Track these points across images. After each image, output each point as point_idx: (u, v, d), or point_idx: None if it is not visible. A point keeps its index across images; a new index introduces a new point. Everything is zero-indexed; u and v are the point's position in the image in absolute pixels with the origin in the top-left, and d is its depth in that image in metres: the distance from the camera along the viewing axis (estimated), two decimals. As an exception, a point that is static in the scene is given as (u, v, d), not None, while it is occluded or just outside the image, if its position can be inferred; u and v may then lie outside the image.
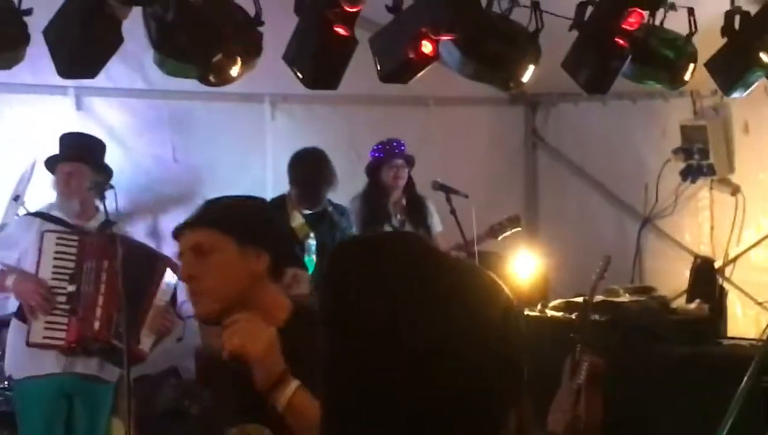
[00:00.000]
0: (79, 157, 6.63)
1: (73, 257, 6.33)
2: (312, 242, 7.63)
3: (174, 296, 6.58)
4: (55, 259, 6.31)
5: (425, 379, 1.68)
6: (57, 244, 6.33)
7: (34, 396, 6.31)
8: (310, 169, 7.68)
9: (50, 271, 6.29)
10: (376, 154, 8.28)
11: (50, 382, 6.29)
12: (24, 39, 5.46)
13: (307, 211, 7.73)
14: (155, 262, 6.51)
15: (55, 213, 6.55)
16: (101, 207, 6.43)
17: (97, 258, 6.35)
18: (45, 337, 6.23)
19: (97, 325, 6.27)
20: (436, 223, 8.37)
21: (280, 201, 7.73)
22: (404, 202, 8.35)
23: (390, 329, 1.70)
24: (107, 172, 6.68)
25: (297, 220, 7.61)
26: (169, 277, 6.49)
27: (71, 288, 6.29)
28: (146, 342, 6.44)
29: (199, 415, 8.33)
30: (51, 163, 6.70)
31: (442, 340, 1.69)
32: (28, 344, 6.22)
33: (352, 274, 1.77)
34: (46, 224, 6.42)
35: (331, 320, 1.77)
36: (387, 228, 8.12)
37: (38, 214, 6.60)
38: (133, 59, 7.64)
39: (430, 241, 1.97)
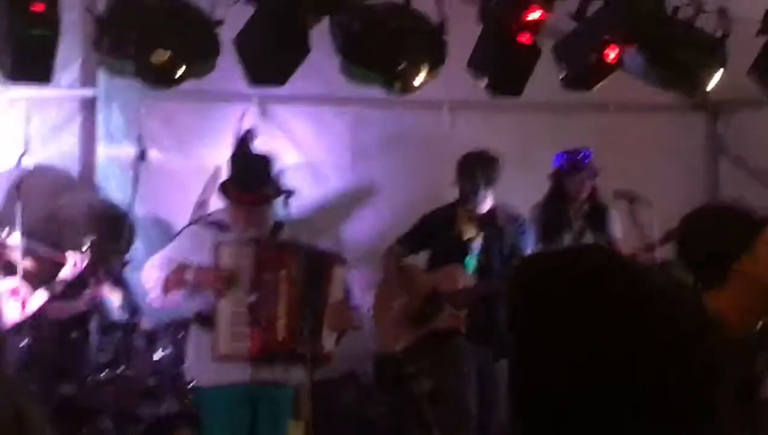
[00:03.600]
0: (259, 188, 6.38)
1: (249, 268, 6.32)
2: (478, 244, 7.58)
3: (347, 289, 6.59)
4: (234, 271, 6.28)
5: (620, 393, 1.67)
6: (232, 256, 6.33)
7: (220, 404, 6.35)
8: (470, 170, 7.60)
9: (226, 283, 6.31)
10: (562, 166, 8.16)
11: (237, 390, 6.33)
12: (215, 49, 5.62)
13: (475, 216, 7.66)
14: (326, 261, 6.52)
15: (228, 220, 6.49)
16: (281, 212, 6.46)
17: (274, 268, 6.36)
18: (231, 349, 6.29)
19: (281, 335, 6.30)
20: (617, 231, 8.22)
21: (450, 206, 7.75)
22: (586, 209, 8.23)
23: (586, 343, 1.70)
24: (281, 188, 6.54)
25: (463, 221, 7.58)
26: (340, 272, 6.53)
27: (252, 298, 6.31)
28: (329, 342, 6.46)
29: (378, 419, 8.39)
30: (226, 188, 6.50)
31: (637, 357, 1.68)
32: (215, 356, 6.28)
33: (546, 289, 1.77)
34: (219, 235, 6.40)
35: (521, 331, 1.77)
36: (566, 235, 8.05)
37: (211, 224, 6.55)
38: (315, 67, 7.72)
39: (620, 255, 1.94)
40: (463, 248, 7.53)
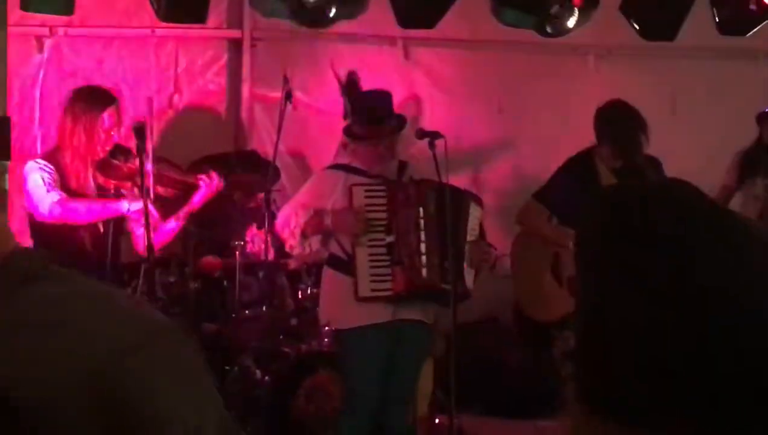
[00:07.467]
0: (385, 119, 6.39)
1: (384, 208, 6.32)
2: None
3: (481, 227, 6.55)
4: (368, 211, 6.29)
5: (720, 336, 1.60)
6: (366, 197, 6.30)
7: (361, 345, 6.35)
8: (610, 120, 7.27)
9: (365, 224, 6.30)
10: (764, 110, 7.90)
11: (378, 330, 6.32)
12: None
13: (618, 167, 7.37)
14: (462, 199, 6.45)
15: (357, 164, 6.46)
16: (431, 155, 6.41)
17: (410, 206, 6.34)
18: (373, 290, 6.26)
19: (425, 272, 6.30)
20: None
21: (586, 157, 7.31)
22: None
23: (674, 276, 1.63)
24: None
25: (606, 176, 7.18)
26: (476, 211, 6.49)
27: (390, 238, 6.29)
28: (469, 279, 6.43)
29: (517, 365, 8.36)
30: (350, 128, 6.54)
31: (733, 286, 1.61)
32: (358, 299, 6.26)
33: (622, 223, 1.70)
34: (350, 177, 6.37)
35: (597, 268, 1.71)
36: (759, 181, 7.84)
37: (340, 167, 6.53)
38: (460, 10, 7.67)
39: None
40: None
